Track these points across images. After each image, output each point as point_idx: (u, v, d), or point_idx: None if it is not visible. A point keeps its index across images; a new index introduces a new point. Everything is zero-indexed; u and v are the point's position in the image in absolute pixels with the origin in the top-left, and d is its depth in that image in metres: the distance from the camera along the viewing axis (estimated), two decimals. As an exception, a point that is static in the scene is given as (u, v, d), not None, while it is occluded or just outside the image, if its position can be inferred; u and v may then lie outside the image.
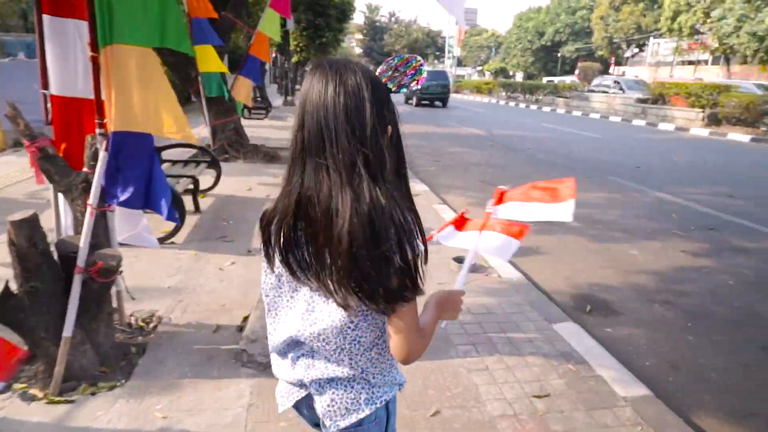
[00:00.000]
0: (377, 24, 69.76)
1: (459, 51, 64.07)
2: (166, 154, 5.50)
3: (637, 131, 15.20)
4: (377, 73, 0.92)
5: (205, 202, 5.24)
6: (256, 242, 4.08)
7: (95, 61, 2.16)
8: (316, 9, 25.27)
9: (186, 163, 5.49)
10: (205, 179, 5.64)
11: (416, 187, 6.38)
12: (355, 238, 0.79)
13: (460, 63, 65.61)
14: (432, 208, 5.40)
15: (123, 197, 2.35)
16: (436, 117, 17.90)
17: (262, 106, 15.41)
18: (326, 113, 0.81)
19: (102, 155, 2.27)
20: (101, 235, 2.35)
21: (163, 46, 2.25)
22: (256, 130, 11.60)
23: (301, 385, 0.99)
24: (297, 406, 1.03)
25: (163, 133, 2.27)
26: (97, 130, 2.26)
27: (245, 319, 2.72)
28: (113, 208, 2.39)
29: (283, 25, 19.28)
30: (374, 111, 0.83)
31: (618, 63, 40.79)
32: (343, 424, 0.96)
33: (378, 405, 0.97)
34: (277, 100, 21.44)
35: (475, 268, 3.64)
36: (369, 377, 0.96)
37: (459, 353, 2.54)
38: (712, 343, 2.95)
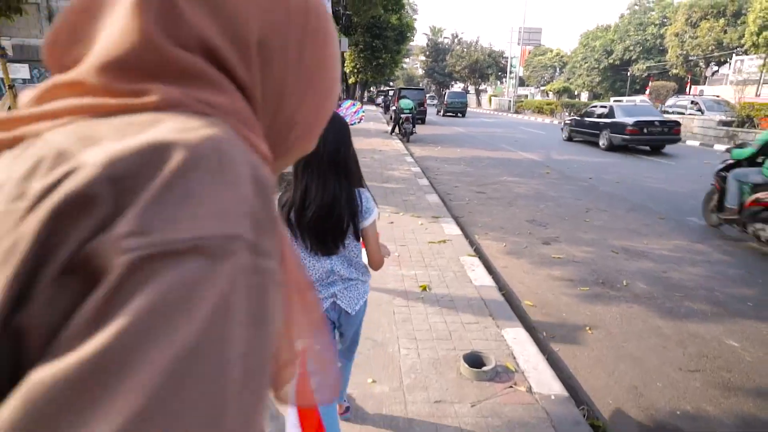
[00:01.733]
0: (440, 46, 69.42)
1: (522, 71, 62.15)
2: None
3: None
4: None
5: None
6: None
7: None
8: (373, 31, 25.33)
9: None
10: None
11: (446, 229, 5.37)
12: (348, 207, 1.62)
13: (522, 83, 63.57)
14: (458, 261, 4.37)
15: None
16: (492, 140, 16.73)
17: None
18: (323, 144, 1.55)
19: None
20: None
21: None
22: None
23: (330, 295, 1.72)
24: (326, 311, 1.75)
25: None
26: None
27: None
28: None
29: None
30: (347, 138, 1.62)
31: (695, 82, 37.55)
32: (357, 307, 1.76)
33: (368, 293, 1.84)
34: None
35: (495, 373, 2.58)
36: (363, 278, 1.79)
37: None
38: None
